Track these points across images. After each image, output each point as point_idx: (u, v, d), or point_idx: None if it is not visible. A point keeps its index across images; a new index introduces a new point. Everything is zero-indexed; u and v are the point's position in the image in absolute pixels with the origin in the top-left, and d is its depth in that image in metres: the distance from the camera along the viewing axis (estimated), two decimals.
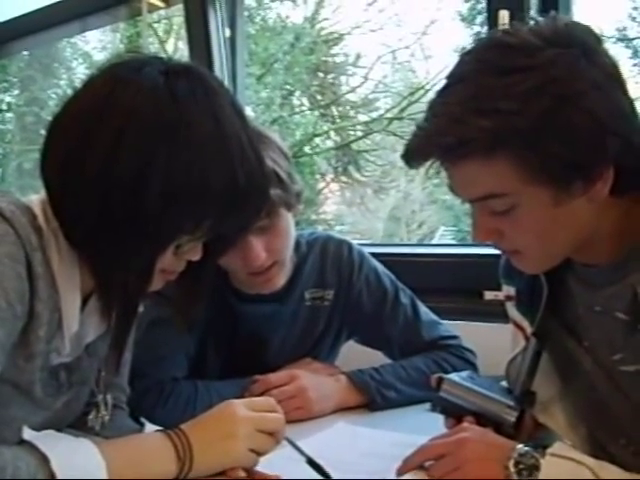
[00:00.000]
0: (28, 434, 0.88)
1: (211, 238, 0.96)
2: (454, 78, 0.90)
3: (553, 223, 0.90)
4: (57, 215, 0.91)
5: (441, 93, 0.91)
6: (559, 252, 0.96)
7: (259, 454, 1.01)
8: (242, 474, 0.98)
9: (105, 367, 1.07)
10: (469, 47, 0.93)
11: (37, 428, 0.90)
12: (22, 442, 0.87)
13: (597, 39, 0.89)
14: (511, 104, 0.83)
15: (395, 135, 4.86)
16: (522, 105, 0.83)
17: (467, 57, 0.91)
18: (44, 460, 0.83)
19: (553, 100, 0.83)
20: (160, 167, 0.86)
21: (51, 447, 0.85)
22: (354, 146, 5.32)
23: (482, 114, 0.84)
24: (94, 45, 5.43)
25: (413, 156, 0.92)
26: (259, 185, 0.96)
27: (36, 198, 0.93)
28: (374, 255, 1.60)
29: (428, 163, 0.92)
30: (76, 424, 1.05)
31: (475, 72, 0.87)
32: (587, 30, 0.90)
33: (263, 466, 1.02)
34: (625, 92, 0.89)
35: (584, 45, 0.86)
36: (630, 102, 0.89)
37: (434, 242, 5.09)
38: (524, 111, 0.83)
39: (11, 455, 0.82)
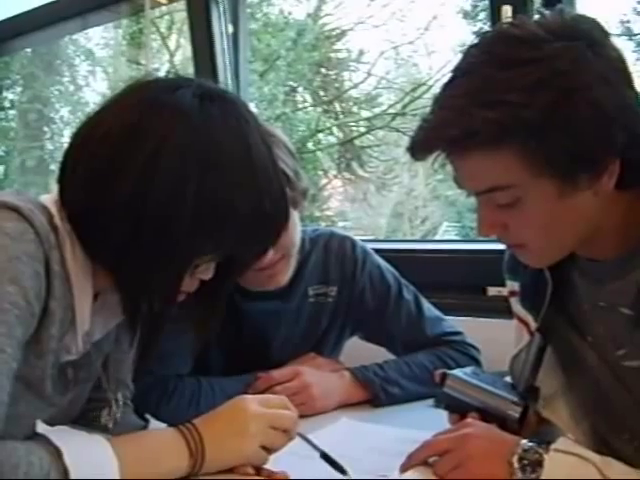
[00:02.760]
0: (42, 428, 0.89)
1: (226, 262, 0.97)
2: (460, 71, 0.90)
3: (558, 216, 0.90)
4: (76, 230, 0.90)
5: (447, 86, 0.91)
6: (564, 246, 0.96)
7: (270, 451, 1.01)
8: (250, 471, 0.99)
9: (114, 365, 1.08)
10: (475, 40, 0.92)
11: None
12: (35, 436, 0.88)
13: (604, 32, 0.89)
14: (517, 96, 0.83)
15: (398, 131, 4.85)
16: (528, 97, 0.82)
17: (473, 50, 0.90)
18: (57, 454, 0.84)
19: (559, 93, 0.83)
20: (192, 191, 0.87)
21: (64, 441, 0.86)
22: (357, 142, 5.32)
23: (487, 106, 0.84)
24: (96, 42, 5.42)
25: (418, 149, 0.92)
26: (281, 212, 0.97)
27: (49, 197, 0.93)
28: (377, 251, 1.60)
29: (433, 157, 0.92)
30: (86, 421, 1.06)
31: (481, 64, 0.87)
32: (594, 23, 0.89)
33: (270, 462, 1.02)
34: (631, 85, 0.89)
35: (590, 38, 0.86)
36: (636, 95, 0.89)
37: (437, 238, 5.09)
38: (530, 103, 0.82)
39: (24, 450, 0.82)
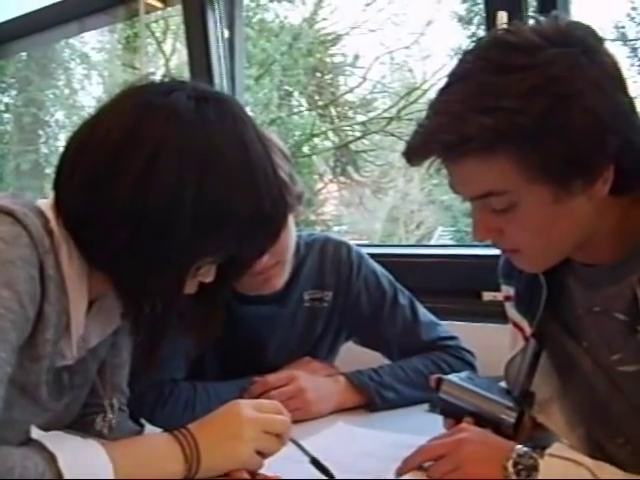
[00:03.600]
0: (36, 433, 0.88)
1: (226, 263, 0.97)
2: (456, 76, 0.91)
3: (553, 221, 0.90)
4: (74, 236, 0.90)
5: (442, 91, 0.91)
6: (559, 251, 0.96)
7: (264, 455, 1.01)
8: (246, 476, 0.98)
9: (111, 370, 1.07)
10: (470, 46, 0.93)
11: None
12: (30, 441, 0.88)
13: (598, 39, 0.90)
14: (512, 102, 0.83)
15: (393, 135, 4.86)
16: (523, 103, 0.83)
17: (469, 56, 0.91)
18: (52, 459, 0.84)
19: (553, 99, 0.83)
20: (190, 193, 0.87)
21: (59, 446, 0.86)
22: (352, 146, 5.32)
23: (483, 112, 0.84)
24: (92, 46, 5.41)
25: (414, 154, 0.92)
26: (281, 211, 0.97)
27: (46, 202, 0.92)
28: (372, 256, 1.60)
29: (428, 162, 0.92)
30: (82, 426, 1.06)
31: (476, 70, 0.88)
32: (588, 30, 0.90)
33: (264, 467, 1.02)
34: (625, 91, 0.89)
35: (585, 44, 0.87)
36: (630, 101, 0.90)
37: (432, 243, 5.09)
38: (525, 109, 0.83)
39: (19, 455, 0.82)
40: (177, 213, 0.87)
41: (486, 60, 0.88)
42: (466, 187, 0.93)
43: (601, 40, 0.90)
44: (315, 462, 1.02)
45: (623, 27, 3.56)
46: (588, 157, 0.86)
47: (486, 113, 0.84)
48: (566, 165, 0.86)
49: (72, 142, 0.93)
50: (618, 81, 0.89)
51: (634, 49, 3.61)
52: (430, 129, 0.89)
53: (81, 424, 1.06)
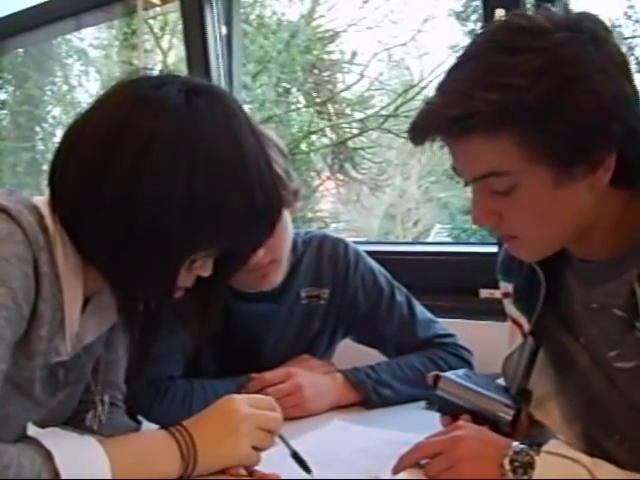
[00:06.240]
0: (33, 430, 0.88)
1: (223, 256, 0.97)
2: (464, 57, 0.92)
3: (552, 206, 0.90)
4: (69, 231, 0.90)
5: (451, 71, 0.92)
6: (556, 238, 0.96)
7: (258, 451, 1.01)
8: (243, 472, 0.99)
9: (104, 367, 1.07)
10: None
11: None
12: (26, 438, 0.88)
13: (606, 29, 0.91)
14: (519, 80, 0.84)
15: (390, 133, 4.86)
16: (529, 82, 0.84)
17: (479, 37, 0.92)
18: (48, 456, 0.84)
19: (560, 80, 0.84)
20: (181, 187, 0.86)
21: (55, 444, 0.86)
22: (350, 143, 5.32)
23: (490, 89, 0.85)
24: (90, 42, 5.40)
25: (419, 130, 0.93)
26: (275, 205, 0.97)
27: (42, 198, 0.92)
28: (370, 253, 1.60)
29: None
30: (74, 422, 1.05)
31: (485, 50, 0.89)
32: (597, 20, 0.91)
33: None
34: (631, 81, 0.90)
35: (593, 32, 0.88)
36: (635, 91, 0.90)
37: (429, 240, 5.09)
38: (531, 88, 0.84)
39: (15, 452, 0.82)
40: (167, 207, 0.86)
41: (494, 41, 0.89)
42: (468, 167, 0.93)
43: (609, 32, 0.91)
44: (295, 456, 1.02)
45: (619, 26, 3.57)
46: (591, 141, 0.86)
47: (492, 90, 0.84)
48: (569, 148, 0.86)
49: (66, 137, 0.93)
50: (624, 70, 0.90)
51: (630, 48, 3.61)
52: (436, 106, 0.90)
53: (73, 420, 1.06)
